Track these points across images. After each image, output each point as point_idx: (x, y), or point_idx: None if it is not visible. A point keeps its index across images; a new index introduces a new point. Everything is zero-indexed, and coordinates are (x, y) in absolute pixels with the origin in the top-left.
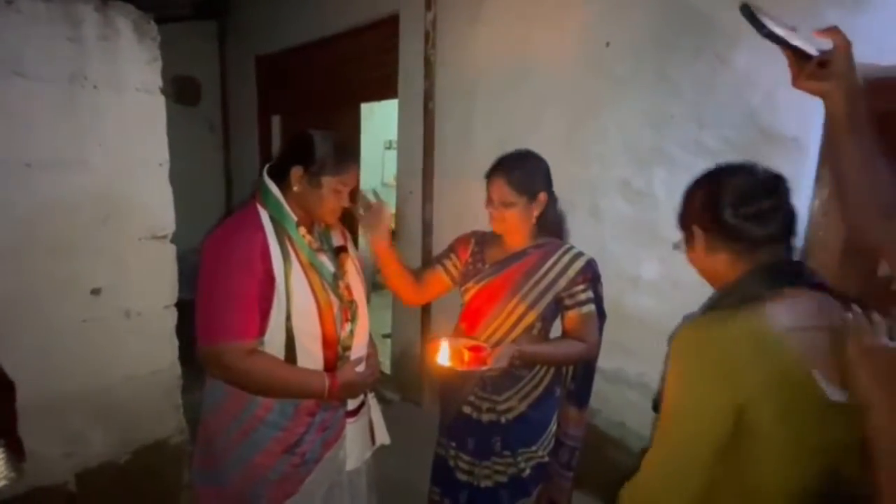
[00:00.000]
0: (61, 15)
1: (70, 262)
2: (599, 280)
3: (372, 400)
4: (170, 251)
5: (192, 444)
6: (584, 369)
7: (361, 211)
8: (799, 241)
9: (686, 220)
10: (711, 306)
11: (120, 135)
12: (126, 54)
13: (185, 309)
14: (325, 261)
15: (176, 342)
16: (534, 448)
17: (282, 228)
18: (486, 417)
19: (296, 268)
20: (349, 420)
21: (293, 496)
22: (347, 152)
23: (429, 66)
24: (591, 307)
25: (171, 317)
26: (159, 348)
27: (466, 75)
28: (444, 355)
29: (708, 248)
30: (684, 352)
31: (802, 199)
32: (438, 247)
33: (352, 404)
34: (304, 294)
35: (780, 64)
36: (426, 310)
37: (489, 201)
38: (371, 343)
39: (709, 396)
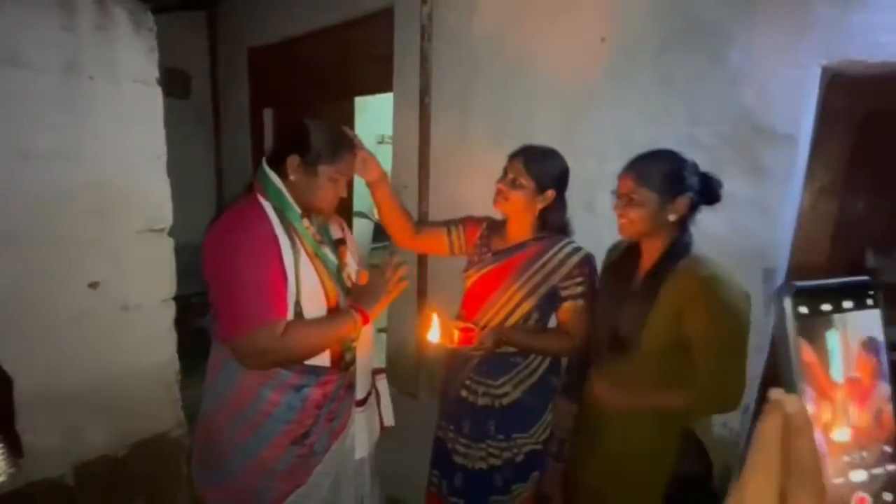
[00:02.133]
0: (57, 3)
1: (67, 256)
2: (597, 275)
3: (381, 383)
4: (167, 244)
5: (190, 439)
6: (577, 363)
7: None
8: (789, 233)
9: (681, 188)
10: (682, 254)
11: (116, 126)
12: (122, 44)
13: (182, 303)
14: (328, 253)
15: (174, 336)
16: (527, 434)
17: (286, 220)
18: (481, 401)
19: (303, 258)
20: (358, 409)
21: (301, 487)
22: (343, 141)
23: (425, 60)
24: (581, 302)
25: (170, 311)
26: (158, 342)
27: (462, 70)
28: (434, 332)
29: (680, 210)
30: (732, 290)
31: (793, 192)
32: None
33: (360, 393)
34: (313, 284)
35: (772, 62)
36: (421, 303)
37: (503, 176)
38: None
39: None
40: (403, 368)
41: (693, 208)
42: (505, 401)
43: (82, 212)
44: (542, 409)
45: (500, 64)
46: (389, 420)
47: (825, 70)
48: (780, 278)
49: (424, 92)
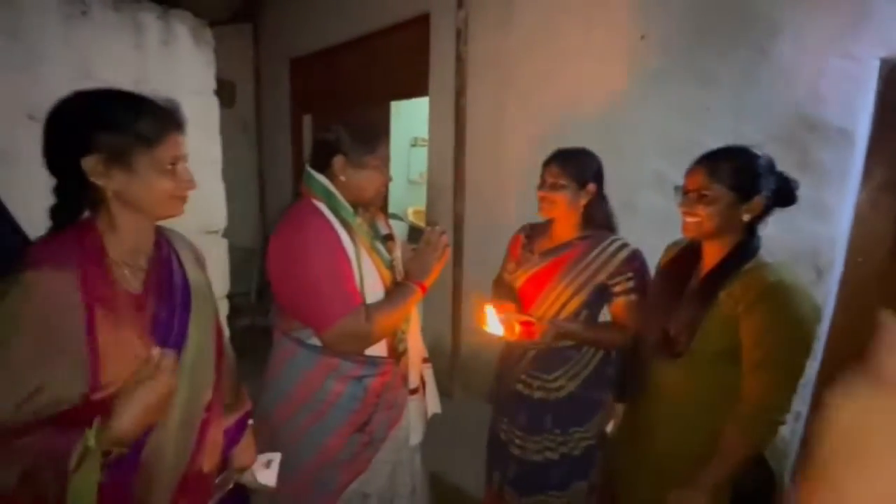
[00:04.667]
0: (128, 23)
1: None
2: (647, 269)
3: (427, 372)
4: (222, 245)
5: None
6: (624, 362)
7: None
8: (845, 231)
9: (757, 186)
10: (748, 258)
11: None
12: (184, 59)
13: (229, 302)
14: (381, 248)
15: (228, 332)
16: (583, 429)
17: (341, 218)
18: (537, 394)
19: (363, 252)
20: (412, 397)
21: (362, 474)
22: (374, 127)
23: (460, 63)
24: (634, 297)
25: (224, 308)
26: None
27: (498, 72)
28: (496, 324)
29: (755, 210)
30: (799, 300)
31: (850, 191)
32: (469, 241)
33: (413, 382)
34: (373, 274)
35: (824, 55)
36: (456, 302)
37: (541, 184)
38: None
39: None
40: (439, 368)
41: (767, 209)
42: (560, 394)
43: None
44: (598, 403)
45: (536, 65)
46: (435, 407)
47: (884, 62)
48: (834, 278)
49: (460, 94)
